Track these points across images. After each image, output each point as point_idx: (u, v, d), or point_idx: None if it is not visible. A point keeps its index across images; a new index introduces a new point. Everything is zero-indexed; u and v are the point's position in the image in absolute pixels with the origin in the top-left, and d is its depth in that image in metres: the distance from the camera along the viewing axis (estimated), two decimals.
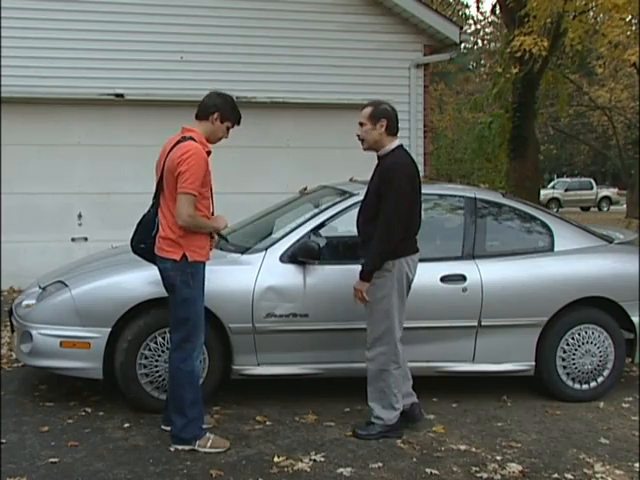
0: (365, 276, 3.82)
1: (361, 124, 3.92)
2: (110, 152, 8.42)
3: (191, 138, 3.65)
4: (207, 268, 4.33)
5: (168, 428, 3.88)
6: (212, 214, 3.81)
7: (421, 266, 4.47)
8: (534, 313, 4.50)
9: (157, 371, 4.19)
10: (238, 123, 3.94)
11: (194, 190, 3.57)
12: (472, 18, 27.38)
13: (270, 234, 4.71)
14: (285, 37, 8.57)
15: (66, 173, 8.33)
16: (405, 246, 3.87)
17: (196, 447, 3.70)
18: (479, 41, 27.73)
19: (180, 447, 3.71)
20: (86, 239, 8.36)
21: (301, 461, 3.62)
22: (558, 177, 38.28)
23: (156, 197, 3.81)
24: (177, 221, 3.61)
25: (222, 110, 3.78)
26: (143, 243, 3.86)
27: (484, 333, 4.47)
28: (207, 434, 3.77)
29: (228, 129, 3.87)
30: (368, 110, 3.91)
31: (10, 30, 7.78)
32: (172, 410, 3.76)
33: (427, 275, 4.40)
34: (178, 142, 3.66)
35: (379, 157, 3.95)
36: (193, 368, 3.72)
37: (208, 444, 3.71)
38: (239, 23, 8.45)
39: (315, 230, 4.41)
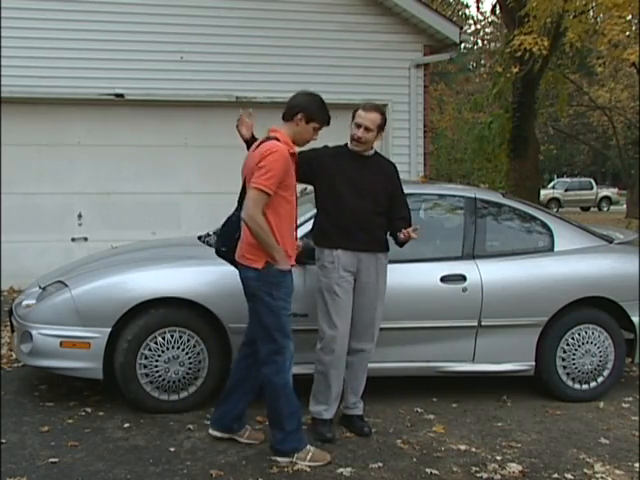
0: None
1: (367, 129, 3.85)
2: (110, 152, 8.42)
3: (275, 138, 3.51)
4: (206, 268, 4.36)
5: (218, 434, 3.81)
6: (296, 223, 3.62)
7: (421, 266, 4.49)
8: (534, 313, 4.50)
9: (157, 371, 4.19)
10: (327, 123, 3.70)
11: (267, 187, 3.36)
12: (472, 18, 27.43)
13: None
14: (285, 37, 8.56)
15: (66, 173, 8.33)
16: None
17: (294, 460, 3.55)
18: (479, 41, 27.72)
19: (280, 459, 3.57)
20: (86, 239, 8.36)
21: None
22: (558, 177, 38.28)
23: (240, 199, 3.62)
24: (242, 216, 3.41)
25: (307, 110, 3.59)
26: (225, 246, 3.68)
27: (484, 333, 4.47)
28: (307, 447, 3.61)
29: (315, 130, 3.66)
30: (377, 118, 3.88)
31: (10, 30, 7.78)
32: (270, 423, 3.64)
33: (427, 275, 4.41)
34: (262, 142, 3.53)
35: (366, 157, 3.94)
36: (287, 380, 3.55)
37: (308, 457, 3.56)
38: (239, 23, 8.45)
39: None
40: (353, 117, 3.92)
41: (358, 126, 3.86)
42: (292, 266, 3.56)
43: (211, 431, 3.87)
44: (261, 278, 3.46)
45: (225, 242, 3.68)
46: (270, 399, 3.59)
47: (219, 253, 3.75)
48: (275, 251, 3.41)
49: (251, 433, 3.86)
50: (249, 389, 3.77)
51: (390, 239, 4.00)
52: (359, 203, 3.86)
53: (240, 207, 3.57)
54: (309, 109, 3.61)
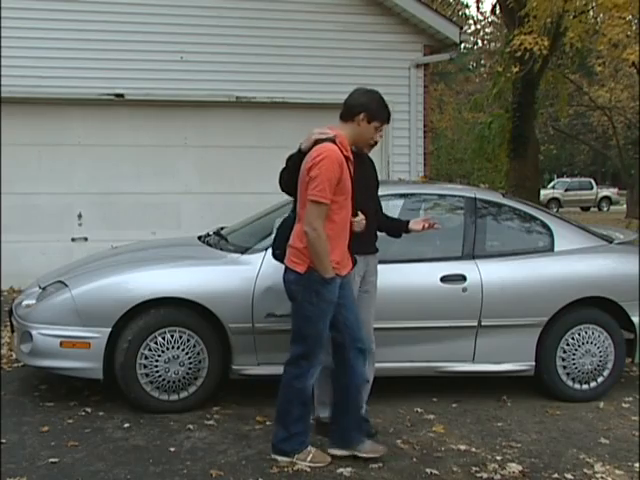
0: None
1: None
2: (110, 152, 8.42)
3: (331, 140, 3.38)
4: (206, 268, 4.37)
5: (337, 452, 3.61)
6: (351, 227, 3.53)
7: (421, 266, 4.49)
8: (534, 313, 4.50)
9: (157, 371, 4.19)
10: (387, 122, 3.58)
11: (324, 198, 3.27)
12: (472, 18, 27.41)
13: (270, 234, 4.69)
14: (285, 37, 8.56)
15: (66, 173, 8.33)
16: None
17: (294, 460, 3.52)
18: (479, 41, 27.74)
19: (279, 458, 3.54)
20: (86, 239, 8.36)
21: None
22: (558, 177, 38.28)
23: (295, 201, 3.57)
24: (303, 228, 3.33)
25: (369, 109, 3.47)
26: (279, 249, 3.63)
27: (484, 333, 4.47)
28: (309, 448, 3.57)
29: (377, 129, 3.54)
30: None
31: (10, 30, 7.77)
32: (276, 420, 3.59)
33: (427, 275, 4.40)
34: (316, 143, 3.40)
35: (361, 155, 3.81)
36: (306, 386, 3.50)
37: (308, 458, 3.53)
38: (239, 23, 8.45)
39: None
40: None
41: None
42: (340, 276, 3.45)
43: (330, 450, 3.65)
44: (301, 283, 3.40)
45: (279, 245, 3.64)
46: (283, 398, 3.55)
47: (275, 255, 3.70)
48: (322, 262, 3.33)
49: (372, 446, 3.65)
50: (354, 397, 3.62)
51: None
52: (367, 204, 3.76)
53: (294, 209, 3.54)
54: (371, 108, 3.48)
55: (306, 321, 3.44)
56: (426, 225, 3.92)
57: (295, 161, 3.61)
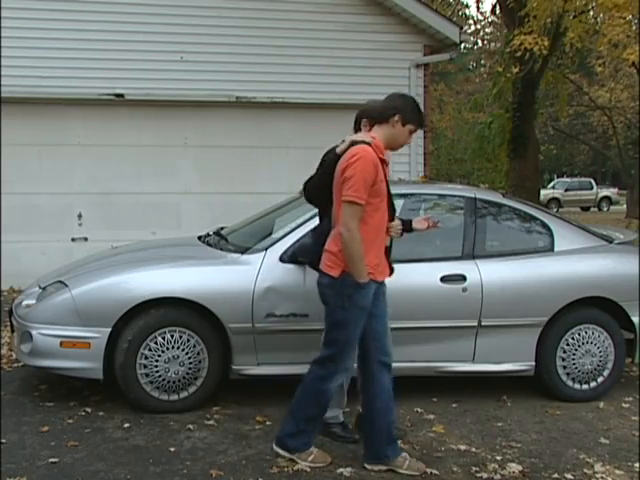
0: None
1: None
2: (110, 152, 8.42)
3: (365, 142, 3.36)
4: (206, 268, 4.37)
5: (374, 467, 3.53)
6: (388, 232, 3.51)
7: (421, 266, 4.48)
8: (534, 313, 4.50)
9: (157, 371, 4.19)
10: (421, 126, 3.56)
11: (358, 198, 3.24)
12: (472, 18, 27.40)
13: (270, 234, 4.70)
14: (285, 37, 8.56)
15: (66, 173, 8.33)
16: None
17: (294, 457, 3.51)
18: (479, 41, 27.72)
19: (281, 452, 3.54)
20: (86, 239, 8.36)
21: None
22: (558, 177, 38.28)
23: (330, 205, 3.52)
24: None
25: (404, 112, 3.44)
26: (304, 256, 3.66)
27: (484, 333, 4.47)
28: (311, 448, 3.55)
29: (411, 133, 3.52)
30: None
31: (10, 30, 7.78)
32: (288, 414, 3.55)
33: (427, 275, 4.40)
34: (351, 145, 3.38)
35: None
36: (327, 388, 3.46)
37: (309, 458, 3.51)
38: (239, 23, 8.45)
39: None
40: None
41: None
42: (375, 281, 3.41)
43: (367, 465, 3.57)
44: (334, 287, 3.35)
45: (303, 252, 3.69)
46: (302, 395, 3.51)
47: (312, 265, 3.66)
48: (356, 265, 3.28)
49: (412, 463, 3.55)
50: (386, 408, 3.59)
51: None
52: None
53: (321, 218, 3.52)
54: (406, 110, 3.45)
55: (337, 325, 3.40)
56: (430, 224, 3.92)
57: (329, 164, 3.57)
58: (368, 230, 3.34)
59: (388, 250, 3.60)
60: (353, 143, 3.39)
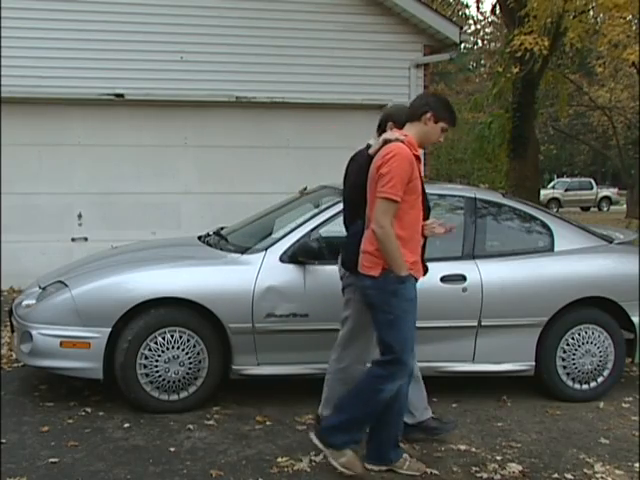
0: None
1: None
2: (110, 152, 8.42)
3: (399, 140, 3.32)
4: (206, 268, 4.37)
5: (375, 467, 3.49)
6: (423, 231, 3.46)
7: None
8: (534, 313, 4.50)
9: (157, 371, 4.19)
10: (453, 124, 3.51)
11: (394, 195, 3.19)
12: (472, 18, 27.44)
13: (270, 234, 4.71)
14: (285, 37, 8.56)
15: (66, 173, 8.33)
16: None
17: (327, 453, 3.39)
18: (479, 41, 27.75)
19: (314, 440, 3.42)
20: (86, 239, 8.36)
21: (301, 461, 3.61)
22: (558, 177, 38.28)
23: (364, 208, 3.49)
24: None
25: (435, 109, 3.42)
26: (347, 261, 3.56)
27: (484, 333, 4.47)
28: (346, 450, 3.39)
29: (443, 130, 3.49)
30: None
31: (10, 30, 7.77)
32: (337, 407, 3.43)
33: (427, 275, 4.39)
34: (385, 143, 3.35)
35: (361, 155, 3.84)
36: (383, 390, 3.31)
37: (341, 459, 3.36)
38: (239, 23, 8.45)
39: (315, 230, 4.41)
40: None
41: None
42: (412, 277, 3.34)
43: (368, 465, 3.52)
44: (378, 286, 3.28)
45: (346, 255, 3.61)
46: (356, 395, 3.39)
47: (350, 270, 3.59)
48: (395, 259, 3.23)
49: (412, 464, 3.54)
50: (399, 412, 3.53)
51: None
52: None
53: (345, 220, 3.49)
54: (438, 108, 3.43)
55: (388, 327, 3.30)
56: (447, 228, 3.71)
57: (360, 163, 3.56)
58: (404, 227, 3.30)
59: (423, 249, 3.53)
60: (386, 142, 3.37)
